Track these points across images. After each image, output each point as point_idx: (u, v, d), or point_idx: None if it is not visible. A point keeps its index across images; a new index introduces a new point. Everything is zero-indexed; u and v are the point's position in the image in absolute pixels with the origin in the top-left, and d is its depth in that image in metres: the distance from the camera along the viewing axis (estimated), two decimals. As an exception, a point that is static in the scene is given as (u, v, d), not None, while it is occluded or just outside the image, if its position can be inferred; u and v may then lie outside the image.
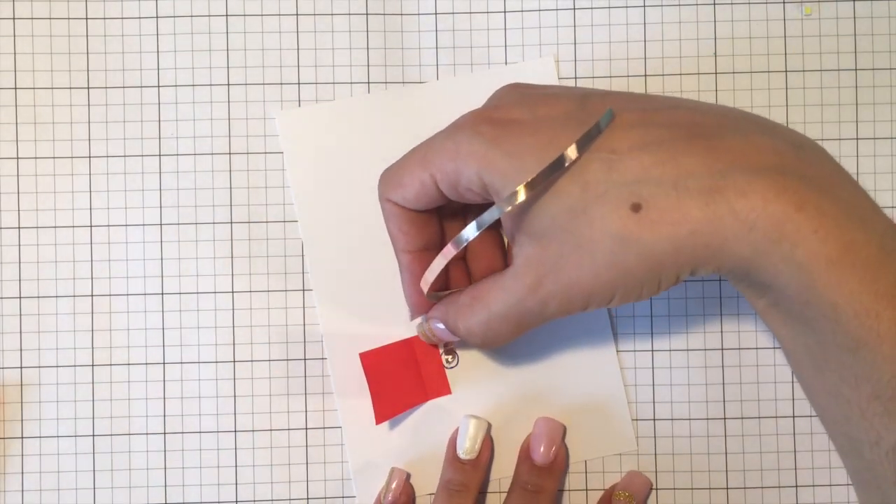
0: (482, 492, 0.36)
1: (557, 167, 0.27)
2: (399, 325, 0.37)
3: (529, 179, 0.27)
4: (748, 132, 0.28)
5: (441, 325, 0.33)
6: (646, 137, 0.27)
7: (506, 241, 0.35)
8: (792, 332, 0.28)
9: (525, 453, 0.36)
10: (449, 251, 0.29)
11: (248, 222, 0.38)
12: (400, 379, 0.37)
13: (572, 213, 0.27)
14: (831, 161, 0.28)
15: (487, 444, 0.36)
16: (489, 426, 0.36)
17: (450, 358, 0.37)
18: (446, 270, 0.33)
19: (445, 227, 0.34)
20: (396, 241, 0.32)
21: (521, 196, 0.27)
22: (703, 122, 0.28)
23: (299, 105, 0.38)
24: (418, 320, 0.35)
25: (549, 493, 0.35)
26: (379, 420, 0.36)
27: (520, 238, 0.29)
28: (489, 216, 0.28)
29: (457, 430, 0.36)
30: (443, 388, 0.37)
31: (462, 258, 0.34)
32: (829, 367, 0.27)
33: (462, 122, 0.29)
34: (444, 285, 0.34)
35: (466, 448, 0.35)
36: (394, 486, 0.35)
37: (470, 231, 0.28)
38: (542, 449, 0.35)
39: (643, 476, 0.36)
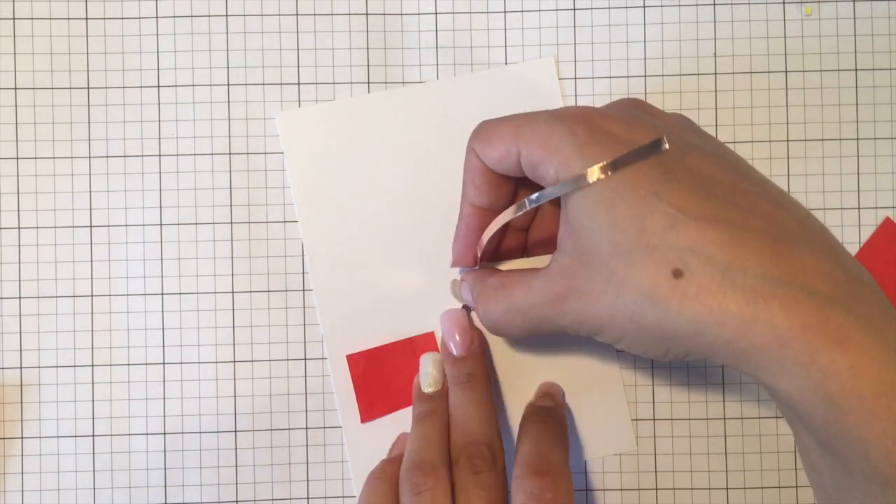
0: None
1: (636, 157, 0.27)
2: (399, 325, 0.37)
3: (598, 165, 0.27)
4: (816, 251, 0.27)
5: (468, 293, 0.34)
6: (718, 214, 0.27)
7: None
8: (820, 450, 0.27)
9: (444, 352, 0.36)
10: (508, 213, 0.30)
11: (248, 222, 0.38)
12: (393, 379, 0.37)
13: (617, 249, 0.27)
14: (884, 299, 0.27)
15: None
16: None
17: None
18: (502, 234, 0.34)
19: (518, 196, 0.34)
20: (466, 190, 0.33)
21: (592, 177, 0.27)
22: (780, 222, 0.27)
23: (299, 105, 0.38)
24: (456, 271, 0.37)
25: (480, 376, 0.35)
26: (364, 419, 0.37)
27: (566, 244, 0.29)
28: (554, 190, 0.28)
29: (418, 376, 0.37)
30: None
31: (525, 229, 0.35)
32: (852, 494, 0.26)
33: (565, 114, 0.29)
34: (496, 247, 0.35)
35: (429, 382, 0.36)
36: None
37: (532, 199, 0.29)
38: (454, 340, 0.36)
39: (553, 383, 0.37)
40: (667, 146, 0.28)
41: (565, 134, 0.28)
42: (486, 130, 0.31)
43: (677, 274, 0.26)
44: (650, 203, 0.27)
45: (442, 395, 0.35)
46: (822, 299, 0.25)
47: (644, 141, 0.28)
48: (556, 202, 0.33)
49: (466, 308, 0.37)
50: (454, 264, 0.35)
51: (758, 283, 0.26)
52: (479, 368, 0.35)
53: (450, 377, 0.36)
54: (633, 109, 0.31)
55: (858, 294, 0.26)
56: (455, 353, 0.36)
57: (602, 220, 0.27)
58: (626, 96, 0.37)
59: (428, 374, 0.36)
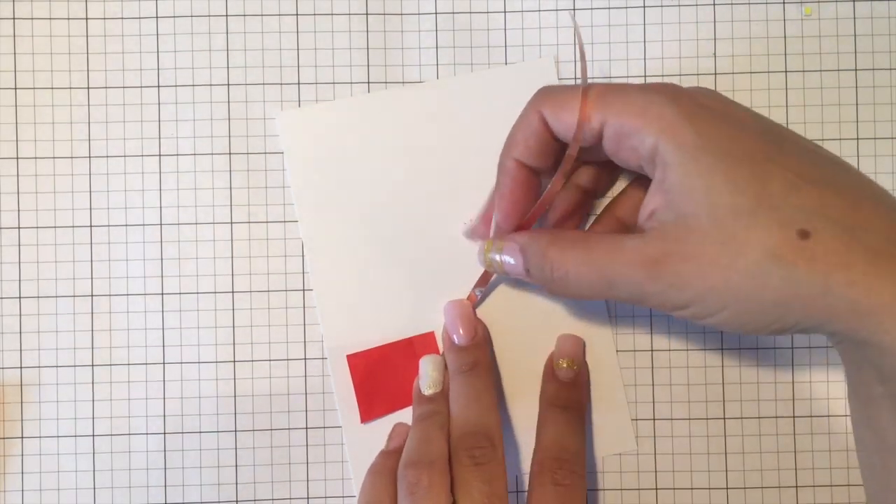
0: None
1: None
2: (399, 325, 0.37)
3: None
4: None
5: (512, 260, 0.33)
6: (833, 179, 0.27)
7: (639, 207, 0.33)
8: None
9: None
10: (570, 158, 0.30)
11: (248, 222, 0.38)
12: (392, 380, 0.37)
13: (736, 211, 0.27)
14: None
15: (447, 373, 0.36)
16: (444, 362, 0.36)
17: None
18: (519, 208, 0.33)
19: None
20: (515, 149, 0.32)
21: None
22: (878, 190, 0.28)
23: (299, 105, 0.38)
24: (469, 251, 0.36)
25: (483, 364, 0.35)
26: (364, 419, 0.37)
27: (663, 210, 0.29)
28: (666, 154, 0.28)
29: (418, 378, 0.37)
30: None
31: (542, 217, 0.34)
32: None
33: (657, 87, 0.29)
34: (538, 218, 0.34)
35: (429, 384, 0.36)
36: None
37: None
38: (457, 330, 0.36)
39: (574, 336, 0.37)
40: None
41: (668, 104, 0.28)
42: (559, 95, 0.31)
43: (803, 235, 0.26)
44: (768, 168, 0.27)
45: (442, 395, 0.35)
46: None
47: (744, 117, 0.29)
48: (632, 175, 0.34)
49: (470, 300, 0.37)
50: (499, 226, 0.34)
51: (882, 244, 0.26)
52: (482, 357, 0.35)
53: (451, 367, 0.35)
54: (708, 90, 0.31)
55: None
56: (458, 342, 0.36)
57: (720, 182, 0.27)
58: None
59: (428, 375, 0.36)
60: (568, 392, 0.36)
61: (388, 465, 0.34)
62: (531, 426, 0.35)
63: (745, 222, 0.27)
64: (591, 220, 0.37)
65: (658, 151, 0.28)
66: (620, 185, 0.37)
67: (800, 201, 0.27)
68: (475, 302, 0.37)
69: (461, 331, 0.36)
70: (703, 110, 0.28)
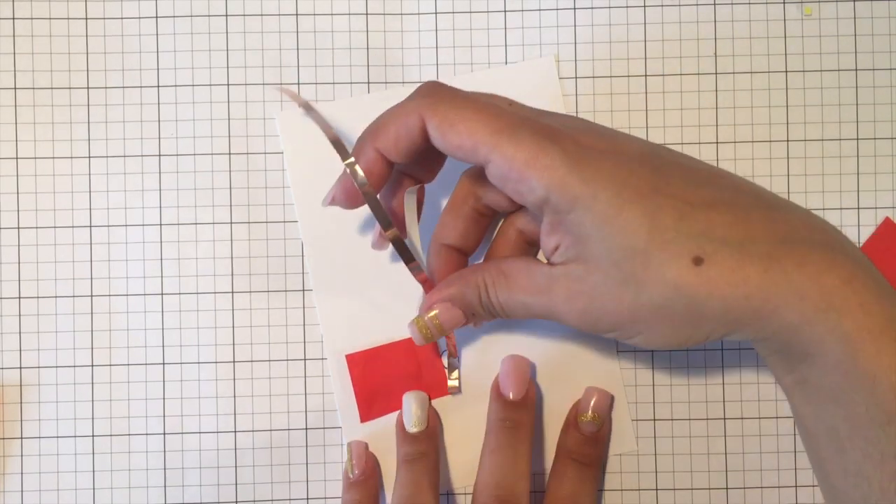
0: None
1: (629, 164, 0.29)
2: (399, 325, 0.37)
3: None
4: (798, 210, 0.30)
5: (449, 314, 0.32)
6: (715, 196, 0.28)
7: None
8: (817, 410, 0.28)
9: (496, 392, 0.36)
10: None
11: (248, 222, 0.37)
12: (392, 380, 0.37)
13: (630, 252, 0.28)
14: (855, 245, 0.30)
15: (434, 414, 0.36)
16: (429, 399, 0.36)
17: (454, 374, 0.37)
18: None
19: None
20: (379, 136, 0.31)
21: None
22: (760, 194, 0.30)
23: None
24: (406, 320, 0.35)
25: (527, 427, 0.35)
26: (364, 419, 0.37)
27: (565, 249, 0.29)
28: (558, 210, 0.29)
29: (401, 413, 0.36)
30: (442, 389, 0.37)
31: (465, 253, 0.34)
32: (853, 445, 0.28)
33: (548, 131, 0.29)
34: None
35: (413, 422, 0.36)
36: (355, 458, 0.36)
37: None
38: (512, 384, 0.35)
39: (602, 390, 0.36)
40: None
41: (557, 154, 0.28)
42: (450, 113, 0.29)
43: (697, 261, 0.27)
44: (656, 200, 0.28)
45: (428, 435, 0.35)
46: (823, 248, 0.28)
47: (628, 148, 0.29)
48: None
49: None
50: (429, 280, 0.33)
51: (770, 248, 0.27)
52: (528, 419, 0.35)
53: (496, 419, 0.35)
54: (585, 123, 0.31)
55: (846, 241, 0.29)
56: (511, 396, 0.35)
57: (612, 229, 0.28)
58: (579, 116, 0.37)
59: (412, 413, 0.36)
60: (590, 448, 0.36)
61: (355, 501, 0.35)
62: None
63: (641, 261, 0.28)
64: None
65: (549, 201, 0.28)
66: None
67: (689, 228, 0.28)
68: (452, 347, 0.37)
69: (517, 383, 0.35)
70: (587, 153, 0.28)
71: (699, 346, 0.36)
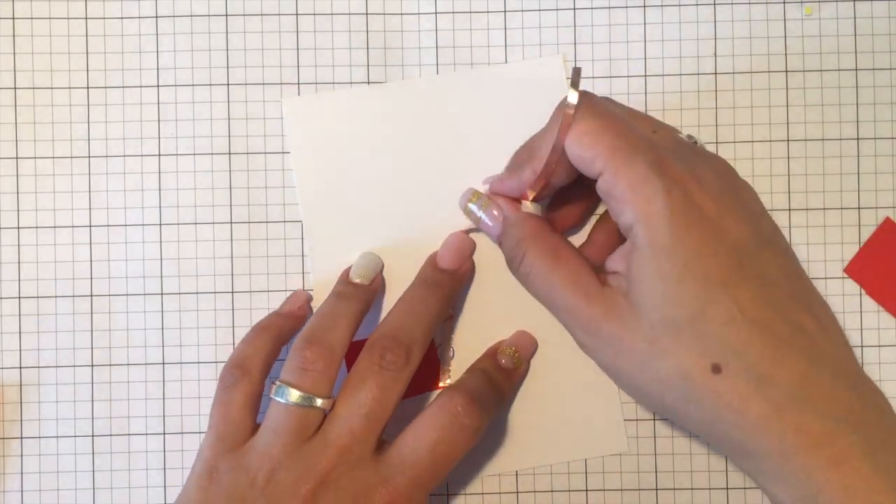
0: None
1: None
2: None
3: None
4: (838, 376, 0.28)
5: (490, 222, 0.34)
6: (771, 324, 0.28)
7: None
8: None
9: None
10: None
11: (248, 222, 0.37)
12: None
13: (671, 322, 0.28)
14: (893, 423, 0.29)
15: (379, 278, 0.36)
16: (381, 265, 0.36)
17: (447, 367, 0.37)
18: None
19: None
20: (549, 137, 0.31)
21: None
22: (818, 345, 0.29)
23: (299, 105, 0.38)
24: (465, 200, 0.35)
25: (446, 290, 0.35)
26: None
27: (621, 278, 0.30)
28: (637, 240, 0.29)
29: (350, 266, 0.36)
30: (434, 383, 0.37)
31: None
32: None
33: (665, 167, 0.29)
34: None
35: (358, 273, 0.35)
36: (293, 299, 0.36)
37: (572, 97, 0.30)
38: (447, 254, 0.36)
39: (530, 335, 0.37)
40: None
41: (659, 192, 0.28)
42: (582, 124, 0.29)
43: (716, 369, 0.28)
44: (716, 292, 0.28)
45: (368, 291, 0.35)
46: (832, 423, 0.27)
47: (732, 230, 0.29)
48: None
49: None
50: (500, 184, 0.34)
51: (782, 400, 0.27)
52: (448, 287, 0.35)
53: (419, 277, 0.35)
54: (728, 176, 0.30)
55: (867, 420, 0.28)
56: (440, 264, 0.35)
57: (665, 291, 0.28)
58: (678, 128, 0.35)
59: (359, 265, 0.35)
60: (502, 378, 0.35)
61: (276, 324, 0.34)
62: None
63: (673, 335, 0.28)
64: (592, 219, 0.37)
65: (633, 231, 0.29)
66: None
67: (728, 337, 0.28)
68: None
69: (450, 254, 0.35)
70: (690, 211, 0.28)
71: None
